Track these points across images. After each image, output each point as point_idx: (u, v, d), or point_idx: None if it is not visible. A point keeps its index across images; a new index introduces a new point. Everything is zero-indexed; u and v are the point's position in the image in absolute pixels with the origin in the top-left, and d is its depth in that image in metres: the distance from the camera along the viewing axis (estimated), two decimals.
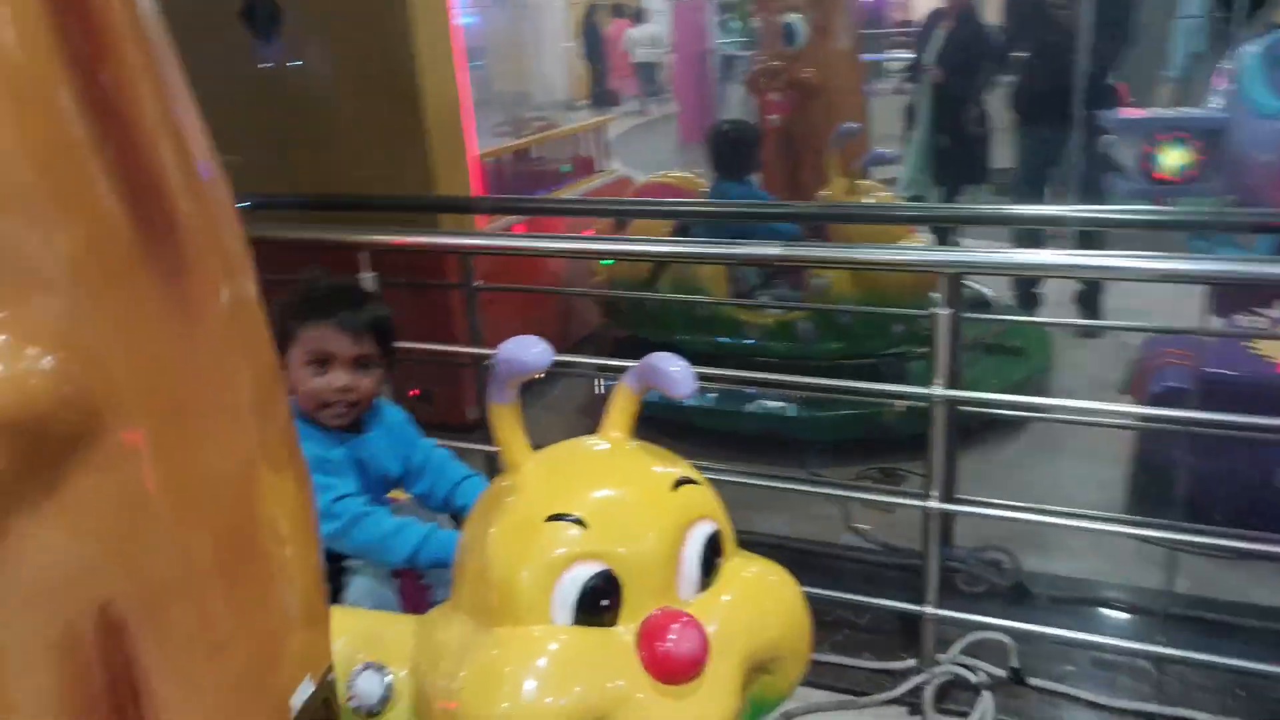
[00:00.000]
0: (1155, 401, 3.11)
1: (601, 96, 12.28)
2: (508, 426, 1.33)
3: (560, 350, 1.56)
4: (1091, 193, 4.49)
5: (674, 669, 1.16)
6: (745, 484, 2.61)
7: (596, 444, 1.37)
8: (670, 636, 1.16)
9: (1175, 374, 3.09)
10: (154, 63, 0.78)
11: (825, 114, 3.88)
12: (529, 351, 1.24)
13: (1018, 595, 2.79)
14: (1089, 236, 4.09)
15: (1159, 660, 2.44)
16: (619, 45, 13.75)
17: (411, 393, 3.76)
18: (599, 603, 1.20)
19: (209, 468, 0.84)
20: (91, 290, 0.73)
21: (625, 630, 1.19)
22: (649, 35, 13.44)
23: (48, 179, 0.69)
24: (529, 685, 1.15)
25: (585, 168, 5.38)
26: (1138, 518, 2.60)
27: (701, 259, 3.15)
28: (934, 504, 2.33)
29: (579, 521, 1.21)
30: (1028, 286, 4.74)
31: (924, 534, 2.42)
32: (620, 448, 1.35)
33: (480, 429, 3.57)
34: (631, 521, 1.23)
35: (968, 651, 2.49)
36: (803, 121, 3.93)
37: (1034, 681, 2.42)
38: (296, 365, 1.67)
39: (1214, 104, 4.00)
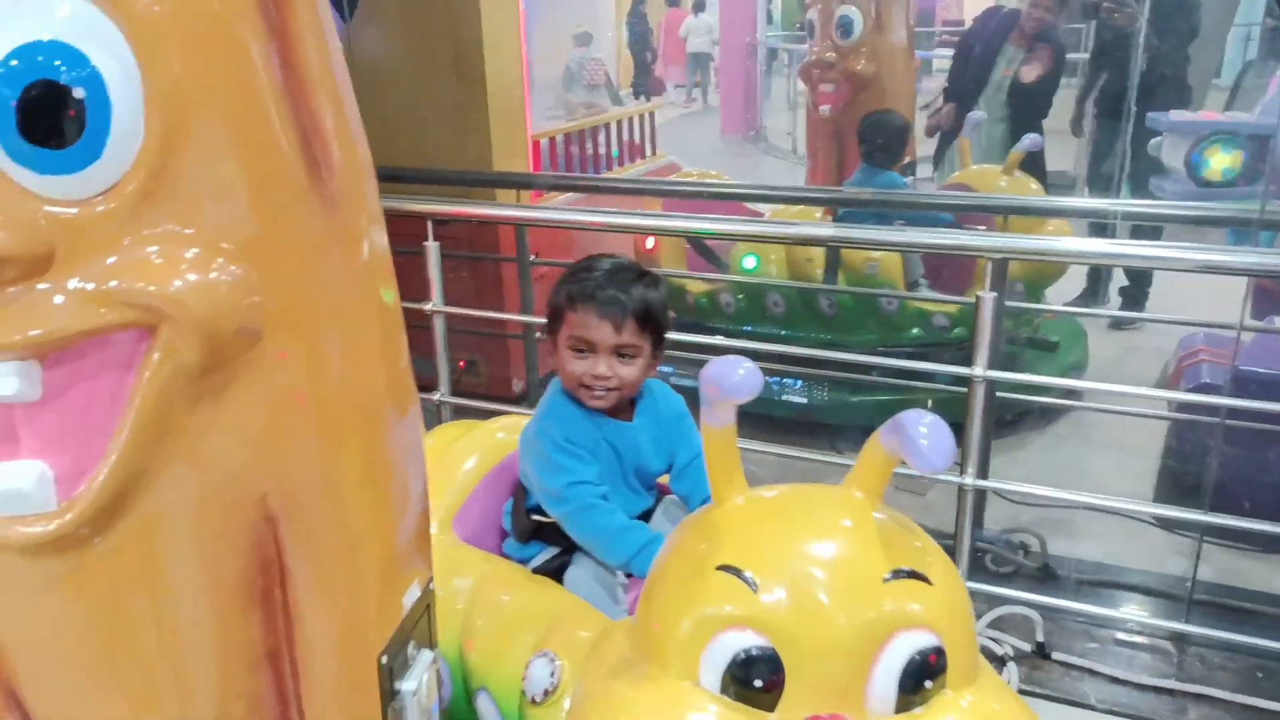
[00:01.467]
0: (1188, 392, 3.18)
1: (644, 85, 12.37)
2: (717, 452, 1.17)
3: None
4: (1140, 193, 4.52)
5: None
6: (780, 456, 2.72)
7: (823, 497, 1.18)
8: None
9: (1210, 370, 3.15)
10: (318, 22, 0.91)
11: (877, 106, 3.96)
12: (735, 373, 1.05)
13: (1044, 576, 2.87)
14: (1140, 233, 4.12)
15: (1180, 639, 2.53)
16: (673, 34, 13.83)
17: (459, 364, 3.90)
18: (752, 680, 1.03)
19: (348, 390, 0.97)
20: (269, 214, 0.86)
21: None
22: (706, 25, 13.52)
23: (244, 118, 0.82)
24: None
25: (634, 153, 5.49)
26: (1164, 505, 2.68)
27: (755, 238, 3.25)
28: (969, 480, 2.43)
29: (750, 581, 1.04)
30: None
31: (958, 511, 2.52)
32: (849, 509, 1.12)
33: (527, 400, 3.72)
34: (817, 600, 1.03)
35: (994, 625, 2.58)
36: (854, 113, 4.02)
37: (1058, 656, 2.51)
38: (562, 346, 1.64)
39: (1265, 110, 4.04)
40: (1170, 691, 2.42)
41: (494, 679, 1.51)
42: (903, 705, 1.03)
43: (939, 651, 1.04)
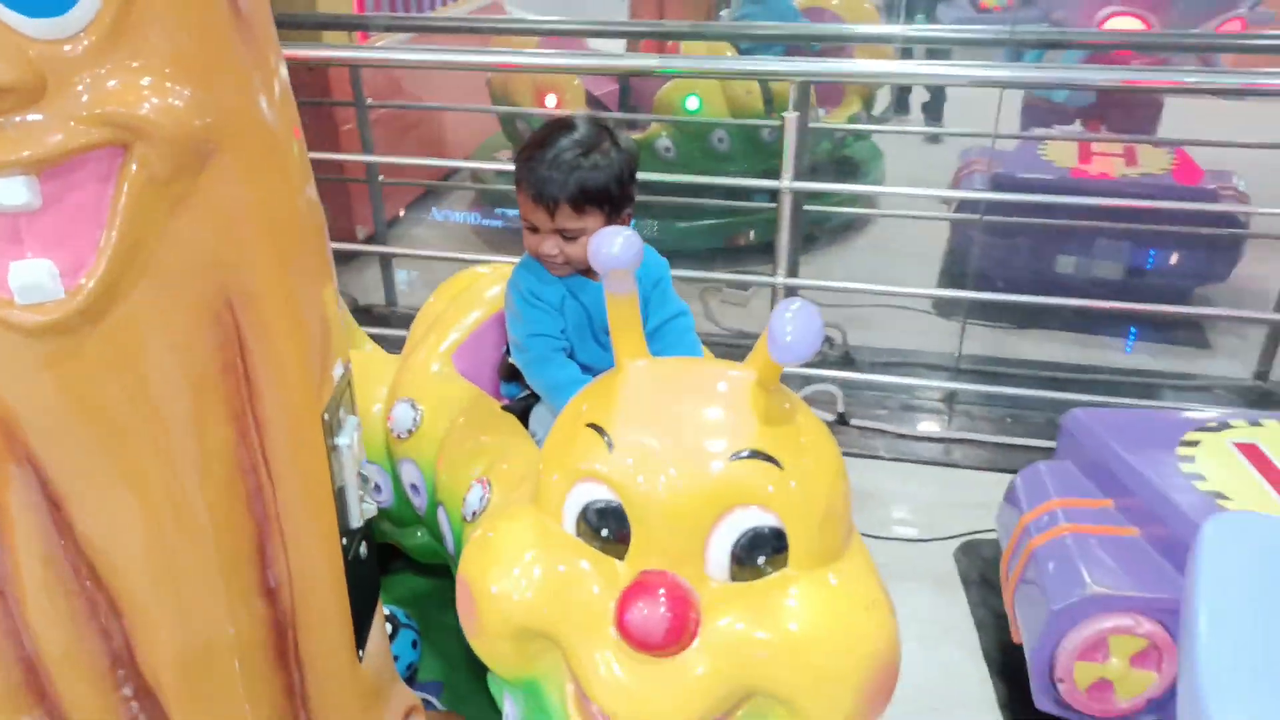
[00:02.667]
0: (964, 201, 3.70)
1: None
2: (620, 319, 1.24)
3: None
4: (930, 20, 4.94)
5: (629, 637, 1.06)
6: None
7: (710, 373, 1.25)
8: (638, 608, 1.05)
9: (980, 179, 3.67)
10: None
11: None
12: (612, 244, 1.16)
13: (846, 362, 3.39)
14: (935, 55, 4.55)
15: (950, 399, 3.10)
16: None
17: None
18: (600, 530, 1.14)
19: (283, 204, 1.19)
20: (208, 46, 1.05)
21: (625, 570, 1.11)
22: None
23: None
24: (504, 570, 1.17)
25: None
26: (935, 290, 3.21)
27: (583, 70, 3.42)
28: (780, 280, 2.83)
29: (609, 440, 1.13)
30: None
31: (771, 308, 2.93)
32: (730, 387, 1.17)
33: (373, 241, 3.85)
34: (663, 469, 1.09)
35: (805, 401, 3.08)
36: None
37: (855, 422, 3.03)
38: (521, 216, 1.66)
39: None
40: (941, 439, 2.99)
41: (448, 497, 1.78)
42: (739, 576, 1.09)
43: (778, 533, 1.08)
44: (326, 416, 1.31)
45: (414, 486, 1.91)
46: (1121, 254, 3.63)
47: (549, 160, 1.59)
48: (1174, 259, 3.57)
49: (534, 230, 1.65)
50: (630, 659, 1.08)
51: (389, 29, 3.61)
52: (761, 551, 1.10)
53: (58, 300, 1.02)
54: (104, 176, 1.02)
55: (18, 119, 0.96)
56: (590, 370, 1.71)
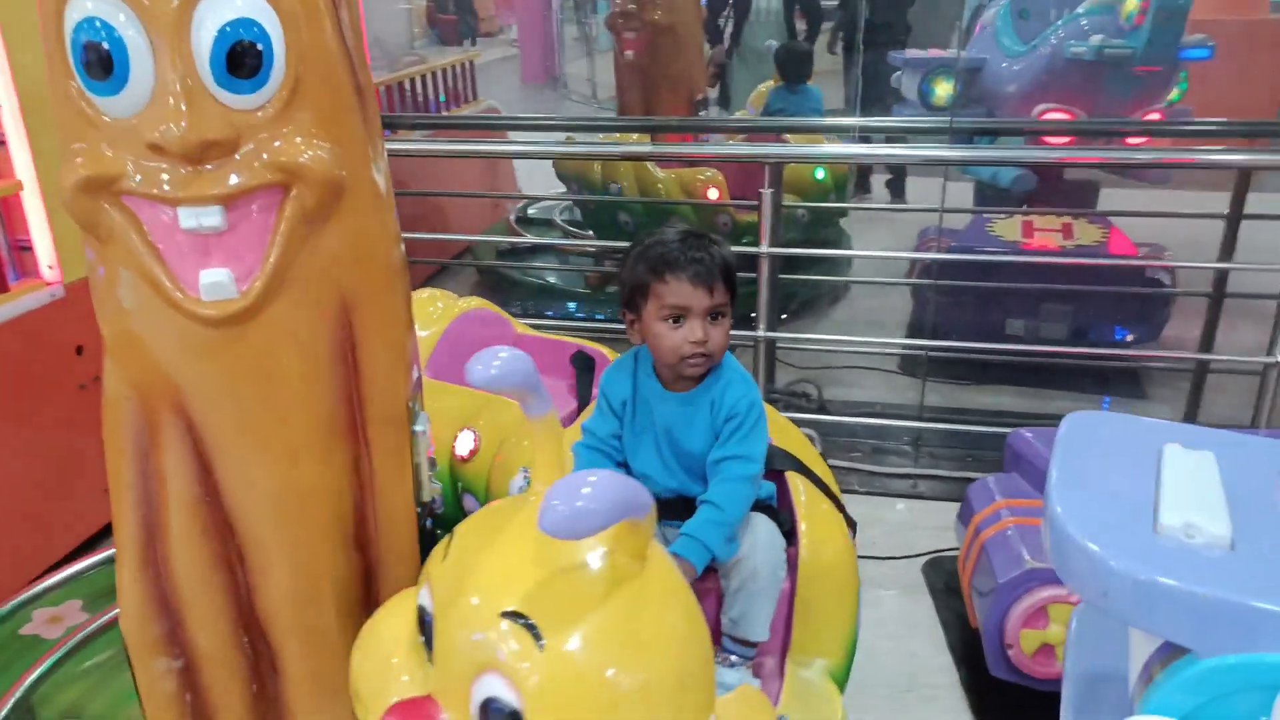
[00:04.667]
0: (923, 273, 4.14)
1: (470, 30, 12.63)
2: (536, 443, 1.29)
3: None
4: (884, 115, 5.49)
5: None
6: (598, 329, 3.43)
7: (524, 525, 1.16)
8: None
9: (938, 252, 4.11)
10: (354, 9, 1.49)
11: (673, 50, 4.70)
12: (491, 363, 1.24)
13: (821, 413, 3.75)
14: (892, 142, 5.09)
15: (916, 441, 3.47)
16: None
17: None
18: (421, 634, 1.24)
19: (383, 236, 1.57)
20: (342, 118, 1.45)
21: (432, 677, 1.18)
22: None
23: (330, 64, 1.41)
24: (361, 647, 1.39)
25: (456, 99, 5.98)
26: (899, 340, 3.63)
27: (589, 157, 3.86)
28: (762, 333, 3.23)
29: (446, 554, 1.24)
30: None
31: (754, 359, 3.32)
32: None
33: None
34: (454, 607, 1.12)
35: None
36: (654, 56, 4.73)
37: (831, 461, 3.38)
38: (651, 321, 1.65)
39: (971, 46, 5.04)
40: (908, 475, 3.35)
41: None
42: None
43: (515, 714, 1.01)
44: (410, 404, 1.66)
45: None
46: (1064, 317, 4.06)
47: (683, 242, 1.63)
48: (1106, 320, 4.01)
49: (680, 320, 1.63)
50: None
51: (412, 128, 4.07)
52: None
53: (231, 299, 1.39)
54: (269, 208, 1.40)
55: (213, 166, 1.34)
56: (647, 479, 1.72)
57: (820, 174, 4.65)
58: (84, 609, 2.29)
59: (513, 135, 5.02)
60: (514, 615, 1.03)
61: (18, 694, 1.91)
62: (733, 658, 1.74)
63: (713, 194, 4.37)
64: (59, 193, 1.35)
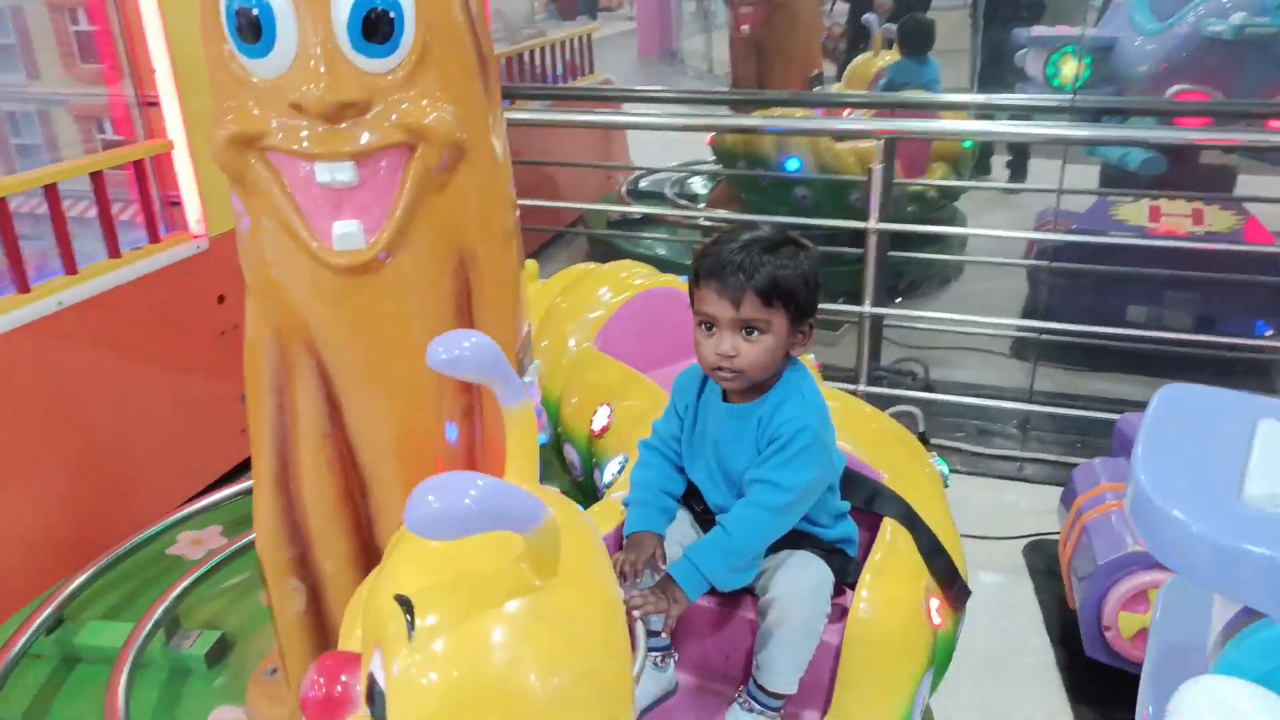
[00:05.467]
0: (1040, 255, 4.04)
1: (561, 10, 12.80)
2: (510, 435, 1.28)
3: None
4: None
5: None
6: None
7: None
8: (310, 673, 1.11)
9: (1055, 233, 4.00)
10: None
11: (790, 25, 4.68)
12: (456, 347, 1.22)
13: (926, 390, 3.72)
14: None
15: (1024, 424, 3.41)
16: None
17: None
18: None
19: (499, 197, 1.66)
20: (465, 83, 1.53)
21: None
22: None
23: (456, 32, 1.49)
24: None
25: (572, 72, 6.09)
26: (1010, 319, 3.56)
27: (687, 128, 3.87)
28: (867, 309, 3.22)
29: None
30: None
31: (858, 337, 3.32)
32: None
33: None
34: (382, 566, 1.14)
35: None
36: (770, 31, 4.72)
37: (935, 440, 3.36)
38: (695, 325, 1.56)
39: (1104, 24, 4.85)
40: (1015, 458, 3.30)
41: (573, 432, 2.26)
42: None
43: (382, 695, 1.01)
44: (520, 355, 1.75)
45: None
46: (1191, 305, 3.90)
47: (736, 248, 1.51)
48: (1239, 311, 3.83)
49: (709, 329, 1.53)
50: None
51: (533, 98, 4.18)
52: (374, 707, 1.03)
53: (360, 249, 1.50)
54: (397, 166, 1.49)
55: (346, 125, 1.45)
56: (700, 491, 1.67)
57: (969, 142, 4.62)
58: (223, 534, 2.49)
59: (626, 108, 5.08)
60: (402, 600, 1.03)
61: (164, 605, 2.10)
62: (755, 704, 1.55)
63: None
64: (211, 146, 1.48)
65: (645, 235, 4.79)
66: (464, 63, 1.54)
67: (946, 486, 1.99)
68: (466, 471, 0.95)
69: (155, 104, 2.68)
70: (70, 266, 2.48)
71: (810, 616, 1.50)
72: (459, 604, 1.02)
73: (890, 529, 1.70)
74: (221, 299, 2.92)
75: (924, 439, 3.40)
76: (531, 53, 5.38)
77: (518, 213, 1.79)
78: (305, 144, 1.44)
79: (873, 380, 3.42)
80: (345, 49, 1.41)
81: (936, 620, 1.61)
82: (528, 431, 1.29)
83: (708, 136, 5.02)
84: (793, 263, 1.51)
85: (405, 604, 1.02)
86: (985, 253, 4.83)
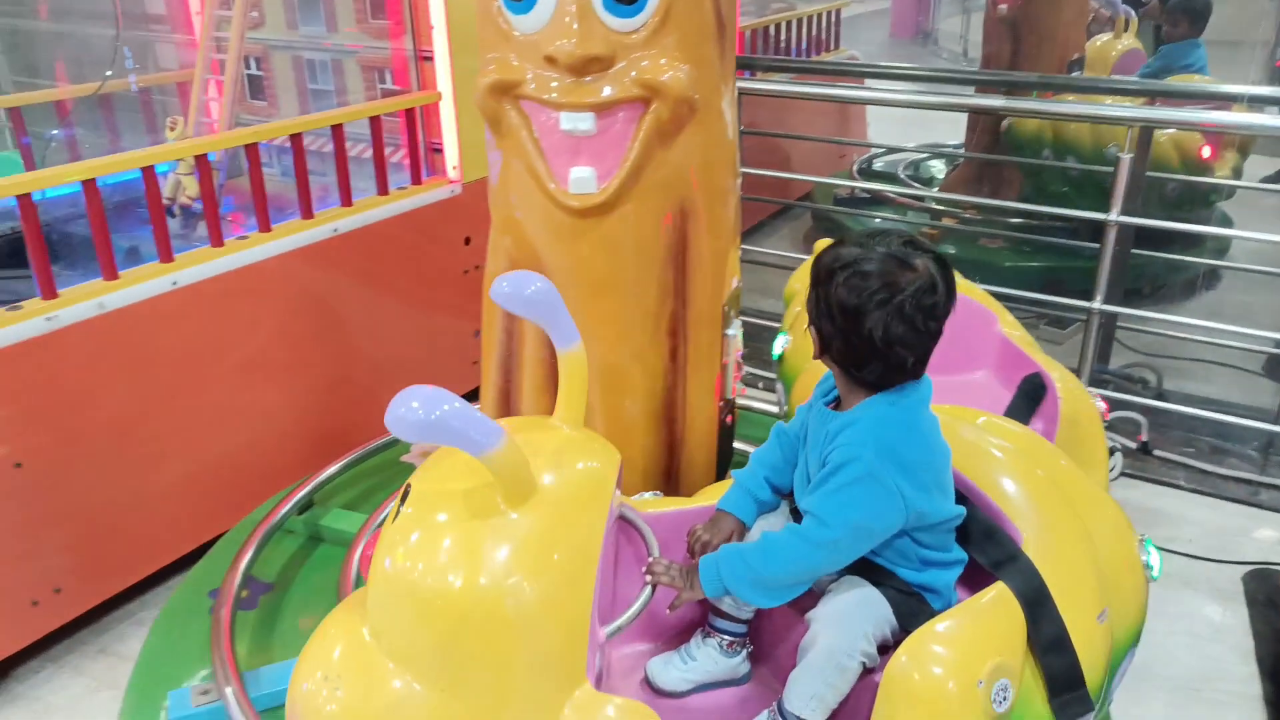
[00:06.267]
0: None
1: None
2: (561, 374, 1.46)
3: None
4: None
5: None
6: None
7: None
8: None
9: None
10: None
11: (1051, 5, 4.45)
12: (513, 289, 1.38)
13: (1157, 399, 3.49)
14: None
15: (1267, 447, 3.14)
16: None
17: None
18: None
19: (722, 159, 1.75)
20: (701, 47, 1.63)
21: None
22: None
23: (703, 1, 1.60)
24: None
25: (818, 46, 6.06)
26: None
27: (924, 106, 3.79)
28: (1097, 304, 3.06)
29: None
30: None
31: (1084, 334, 3.16)
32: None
33: None
34: None
35: (1108, 429, 3.24)
36: (1028, 12, 4.51)
37: (1158, 452, 3.16)
38: None
39: None
40: (1250, 482, 3.05)
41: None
42: None
43: None
44: (725, 309, 1.85)
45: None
46: None
47: (837, 251, 1.38)
48: None
49: None
50: None
51: (769, 70, 4.23)
52: None
53: (592, 194, 1.65)
54: (631, 120, 1.63)
55: (591, 79, 1.59)
56: (780, 495, 1.60)
57: None
58: None
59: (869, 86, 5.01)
60: (406, 488, 1.28)
61: (393, 503, 2.37)
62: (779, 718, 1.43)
63: (1206, 152, 4.24)
64: (475, 92, 1.66)
65: (871, 214, 4.74)
66: (703, 27, 1.64)
67: (1153, 579, 1.62)
68: (452, 393, 1.09)
69: (429, 58, 2.96)
70: (346, 199, 2.81)
71: (839, 647, 1.37)
72: (432, 508, 1.23)
73: (994, 594, 1.39)
74: (468, 240, 3.19)
75: (1145, 448, 3.22)
76: (778, 25, 5.41)
77: (740, 178, 1.88)
78: (554, 94, 1.60)
79: (1096, 383, 3.26)
80: (597, 8, 1.55)
81: (1000, 707, 1.31)
82: (576, 374, 1.42)
83: (959, 118, 4.87)
84: (828, 290, 1.35)
85: (405, 492, 1.26)
86: (1253, 261, 4.42)
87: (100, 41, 4.39)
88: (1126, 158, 2.89)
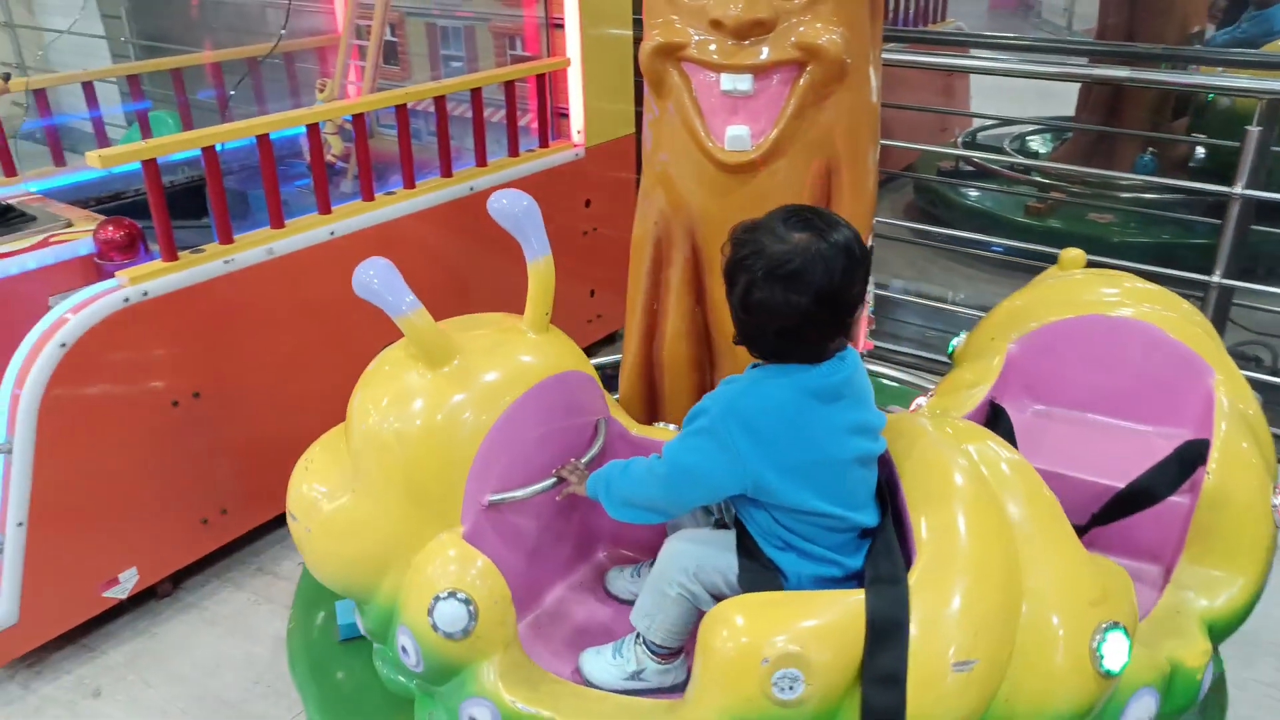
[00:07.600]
0: None
1: None
2: (530, 283, 1.77)
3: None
4: None
5: None
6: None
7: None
8: None
9: None
10: None
11: None
12: (498, 202, 1.71)
13: (1274, 374, 3.45)
14: None
15: None
16: None
17: None
18: None
19: (866, 120, 1.83)
20: (854, 18, 1.71)
21: None
22: None
23: None
24: None
25: (924, 17, 6.02)
26: None
27: (1040, 76, 3.77)
28: (1216, 278, 3.06)
29: None
30: None
31: (1202, 307, 3.15)
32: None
33: None
34: None
35: None
36: None
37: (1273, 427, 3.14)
38: None
39: None
40: None
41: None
42: None
43: None
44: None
45: None
46: None
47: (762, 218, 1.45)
48: None
49: None
50: None
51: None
52: None
53: (746, 151, 1.75)
54: (787, 81, 1.72)
55: (750, 42, 1.69)
56: None
57: None
58: None
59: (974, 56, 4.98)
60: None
61: None
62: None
63: None
64: (640, 54, 1.78)
65: (976, 185, 4.72)
66: None
67: (1107, 673, 1.35)
68: (391, 268, 1.52)
69: (560, 25, 3.08)
70: (481, 159, 2.96)
71: (660, 573, 1.54)
72: (384, 362, 1.67)
73: (845, 602, 1.32)
74: (588, 203, 3.32)
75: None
76: None
77: (878, 146, 1.96)
78: (715, 56, 1.71)
79: None
80: None
81: (784, 694, 1.30)
82: (541, 283, 1.73)
83: (1067, 95, 4.78)
84: (749, 244, 1.40)
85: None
86: None
87: (222, 8, 4.62)
88: (1255, 130, 2.88)
